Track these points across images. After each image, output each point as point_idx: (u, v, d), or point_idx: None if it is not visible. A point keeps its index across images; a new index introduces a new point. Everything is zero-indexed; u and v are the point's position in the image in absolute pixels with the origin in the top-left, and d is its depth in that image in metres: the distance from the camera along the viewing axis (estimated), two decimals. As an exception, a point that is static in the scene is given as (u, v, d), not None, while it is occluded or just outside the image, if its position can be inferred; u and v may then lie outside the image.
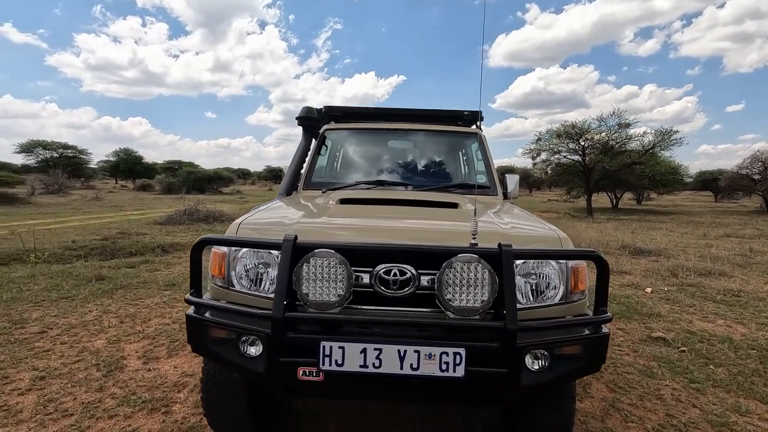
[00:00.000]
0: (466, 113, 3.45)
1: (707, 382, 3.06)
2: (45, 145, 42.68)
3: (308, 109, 3.34)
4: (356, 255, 1.56)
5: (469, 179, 3.34)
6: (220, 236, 1.66)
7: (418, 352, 1.43)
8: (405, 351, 1.43)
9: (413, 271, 1.60)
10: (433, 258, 1.55)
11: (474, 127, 3.53)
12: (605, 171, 19.36)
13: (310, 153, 3.28)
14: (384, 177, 3.11)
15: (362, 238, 1.71)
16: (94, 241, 8.81)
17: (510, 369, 1.45)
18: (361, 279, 1.60)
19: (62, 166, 36.36)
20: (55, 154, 42.44)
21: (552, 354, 1.51)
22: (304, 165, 3.21)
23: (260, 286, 1.71)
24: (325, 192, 2.85)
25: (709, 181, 35.60)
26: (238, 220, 1.88)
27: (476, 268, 1.46)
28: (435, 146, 3.38)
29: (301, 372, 1.48)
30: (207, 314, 1.62)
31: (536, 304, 1.66)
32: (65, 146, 43.52)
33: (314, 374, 1.47)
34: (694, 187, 38.52)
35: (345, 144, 3.49)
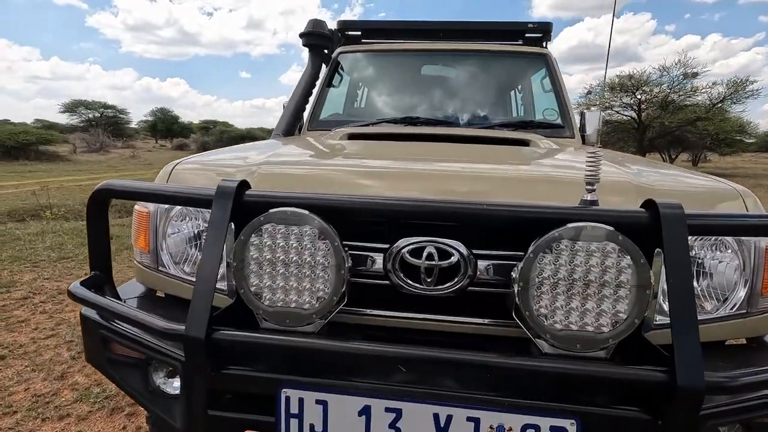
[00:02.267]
0: (531, 25, 2.52)
1: None
2: (87, 105, 43.82)
3: (316, 23, 2.51)
4: (356, 220, 0.83)
5: (531, 115, 2.48)
6: (125, 183, 0.95)
7: (476, 422, 0.69)
8: (449, 418, 0.70)
9: (464, 252, 0.86)
10: (510, 229, 0.80)
11: (540, 47, 2.61)
12: (663, 128, 17.38)
13: (318, 83, 2.49)
14: (415, 113, 2.29)
15: (371, 189, 0.96)
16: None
17: None
18: (369, 263, 0.88)
19: (103, 126, 37.33)
20: (97, 114, 43.57)
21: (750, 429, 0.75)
22: (311, 99, 2.43)
23: None
24: (333, 131, 2.09)
25: (776, 142, 32.22)
26: (176, 161, 1.18)
27: (608, 253, 0.70)
28: (487, 72, 2.50)
29: None
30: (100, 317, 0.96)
31: (700, 318, 0.88)
32: (105, 106, 44.55)
33: None
34: (759, 147, 35.06)
35: (365, 71, 2.66)
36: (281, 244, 0.76)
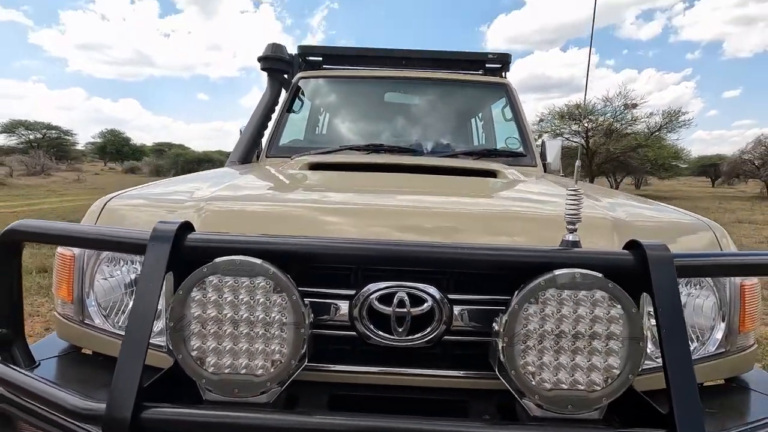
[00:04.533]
0: (491, 56, 2.57)
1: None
2: (27, 126, 41.14)
3: (275, 47, 2.43)
4: (317, 265, 0.74)
5: (494, 144, 2.49)
6: (41, 224, 0.80)
7: None
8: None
9: (438, 297, 0.78)
10: (487, 273, 0.73)
11: (500, 76, 2.66)
12: (609, 154, 18.57)
13: (278, 109, 2.39)
14: (378, 140, 2.24)
15: (335, 228, 0.87)
16: (57, 225, 7.90)
17: None
18: (332, 312, 0.78)
19: (46, 147, 35.08)
20: (39, 135, 40.95)
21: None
22: (269, 124, 2.33)
23: None
24: (294, 159, 1.99)
25: (707, 167, 35.33)
26: (112, 194, 1.04)
27: (597, 302, 0.64)
28: (449, 100, 2.51)
29: None
30: None
31: None
32: (49, 126, 42.03)
33: None
34: (691, 172, 38.31)
35: (326, 97, 2.60)
36: (229, 299, 0.64)
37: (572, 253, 0.68)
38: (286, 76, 2.53)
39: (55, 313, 0.99)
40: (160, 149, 47.58)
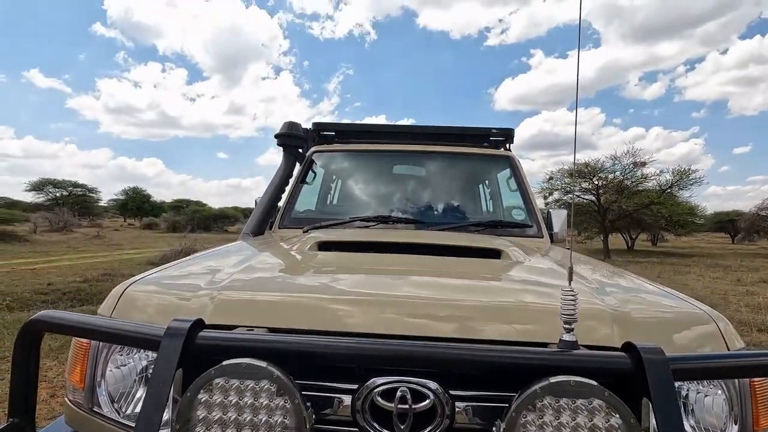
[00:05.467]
0: (494, 131, 2.70)
1: None
2: (55, 184, 43.10)
3: (291, 125, 2.61)
4: (321, 364, 0.76)
5: (500, 215, 2.55)
6: (63, 316, 0.85)
7: None
8: None
9: (439, 393, 0.78)
10: (483, 374, 0.75)
11: (504, 149, 2.77)
12: (621, 211, 18.50)
13: (291, 181, 2.52)
14: (387, 211, 2.32)
15: (342, 320, 0.90)
16: (73, 283, 8.05)
17: None
18: (335, 405, 0.79)
19: (70, 204, 36.43)
20: (65, 192, 42.75)
21: None
22: (283, 196, 2.44)
23: None
24: (306, 231, 2.06)
25: (725, 223, 34.64)
26: (130, 279, 1.09)
27: (594, 410, 0.64)
28: (454, 173, 2.61)
29: None
30: None
31: None
32: (75, 184, 43.96)
33: None
34: (708, 228, 37.56)
35: (338, 170, 2.73)
36: (234, 401, 0.67)
37: (568, 355, 0.69)
38: (300, 150, 2.69)
39: (66, 399, 1.01)
40: (179, 206, 48.98)
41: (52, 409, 2.95)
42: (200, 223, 32.90)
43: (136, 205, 48.11)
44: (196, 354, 0.73)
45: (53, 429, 1.01)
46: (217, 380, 0.67)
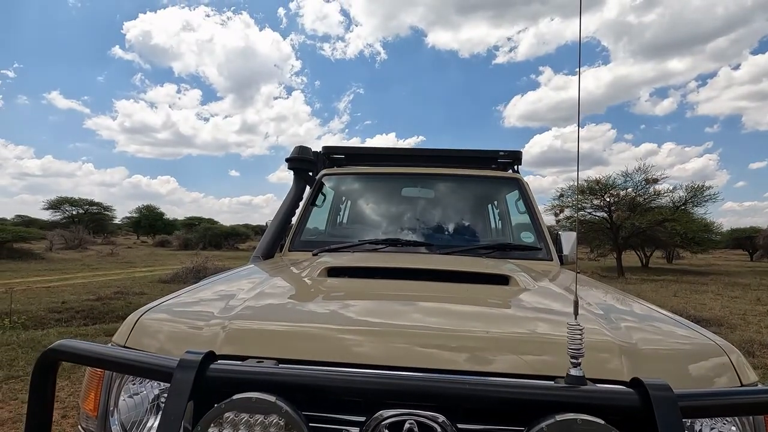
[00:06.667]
0: (502, 153, 2.72)
1: None
2: (72, 202, 44.13)
3: (302, 149, 2.67)
4: (328, 396, 0.77)
5: (509, 237, 2.55)
6: (79, 346, 0.88)
7: None
8: None
9: (447, 426, 0.79)
10: (488, 408, 0.75)
11: (512, 171, 2.79)
12: (634, 228, 18.24)
13: (302, 204, 2.56)
14: (396, 234, 2.34)
15: (351, 351, 0.91)
16: (87, 301, 8.15)
17: None
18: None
19: (86, 222, 37.13)
20: (81, 210, 43.67)
21: None
22: (293, 219, 2.48)
23: None
24: (317, 254, 2.08)
25: (742, 239, 33.82)
26: (144, 307, 1.12)
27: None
28: (463, 195, 2.62)
29: None
30: None
31: None
32: (91, 203, 45.00)
33: None
34: (725, 245, 36.69)
35: (347, 193, 2.77)
36: (242, 436, 0.68)
37: (576, 392, 0.70)
38: (311, 173, 2.74)
39: (80, 427, 1.02)
40: (191, 223, 49.60)
41: (63, 430, 2.97)
42: (211, 240, 33.21)
43: (149, 222, 48.84)
44: (207, 386, 0.74)
45: None
46: (227, 414, 0.69)
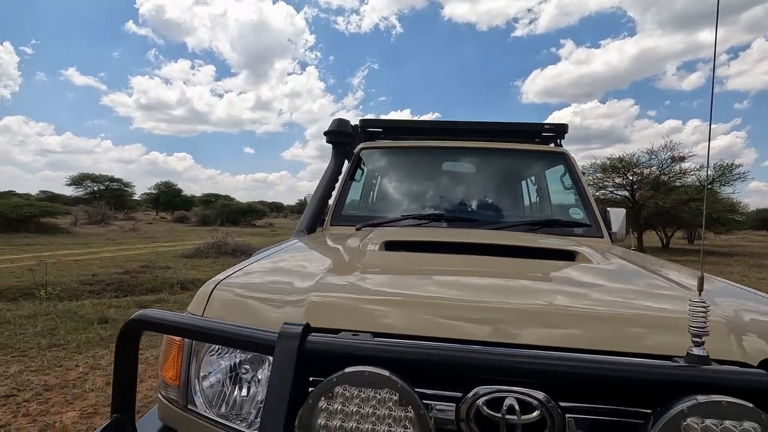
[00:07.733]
0: (547, 126, 2.62)
1: None
2: (93, 178, 45.12)
3: (340, 122, 2.60)
4: (430, 371, 0.74)
5: (551, 212, 2.47)
6: (164, 316, 0.86)
7: None
8: None
9: (548, 404, 0.75)
10: (603, 388, 0.70)
11: (554, 144, 2.69)
12: (657, 207, 17.79)
13: (341, 178, 2.52)
14: (438, 209, 2.28)
15: (443, 327, 0.87)
16: (115, 275, 8.37)
17: None
18: (439, 413, 0.77)
19: (107, 198, 37.95)
20: (102, 187, 44.60)
21: None
22: (333, 193, 2.44)
23: (243, 410, 0.90)
24: (360, 229, 2.05)
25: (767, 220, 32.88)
26: (215, 278, 1.10)
27: (746, 431, 0.60)
28: (507, 170, 2.54)
29: None
30: None
31: None
32: (111, 179, 45.91)
33: None
34: (750, 225, 35.68)
35: (387, 167, 2.71)
36: (355, 410, 0.66)
37: (708, 372, 0.65)
38: (348, 147, 2.68)
39: (159, 395, 1.03)
40: (208, 200, 50.23)
41: (109, 395, 3.07)
42: (229, 216, 33.68)
43: (168, 199, 49.64)
44: (305, 358, 0.72)
45: (148, 425, 1.03)
46: (337, 388, 0.66)
